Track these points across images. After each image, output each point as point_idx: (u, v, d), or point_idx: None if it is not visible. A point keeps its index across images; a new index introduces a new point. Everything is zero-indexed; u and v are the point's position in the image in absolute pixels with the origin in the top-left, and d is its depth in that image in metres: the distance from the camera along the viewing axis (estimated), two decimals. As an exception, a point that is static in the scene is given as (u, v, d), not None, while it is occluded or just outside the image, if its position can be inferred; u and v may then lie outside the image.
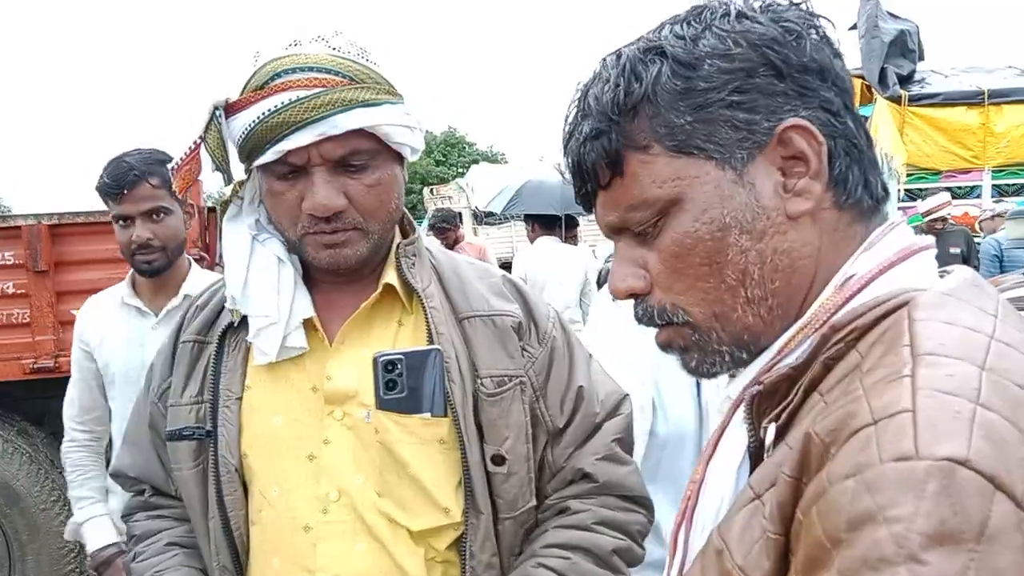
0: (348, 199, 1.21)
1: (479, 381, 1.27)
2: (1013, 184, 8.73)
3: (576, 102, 0.80)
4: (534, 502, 1.32)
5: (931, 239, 0.77)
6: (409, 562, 1.24)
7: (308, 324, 1.28)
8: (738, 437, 0.77)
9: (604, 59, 0.79)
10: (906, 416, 0.54)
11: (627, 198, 0.76)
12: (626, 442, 1.38)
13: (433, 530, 1.26)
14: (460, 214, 8.33)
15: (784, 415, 0.67)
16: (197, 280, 2.44)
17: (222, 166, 1.25)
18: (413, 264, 1.33)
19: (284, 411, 1.27)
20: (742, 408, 0.73)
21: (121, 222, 2.35)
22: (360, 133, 1.20)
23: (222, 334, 1.31)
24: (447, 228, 6.80)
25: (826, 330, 0.66)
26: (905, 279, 0.69)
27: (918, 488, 0.51)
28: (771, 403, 0.69)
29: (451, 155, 35.38)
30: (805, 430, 0.61)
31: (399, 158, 1.28)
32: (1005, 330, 0.61)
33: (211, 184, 1.88)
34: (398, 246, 1.34)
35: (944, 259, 0.90)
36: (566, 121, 0.81)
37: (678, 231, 0.75)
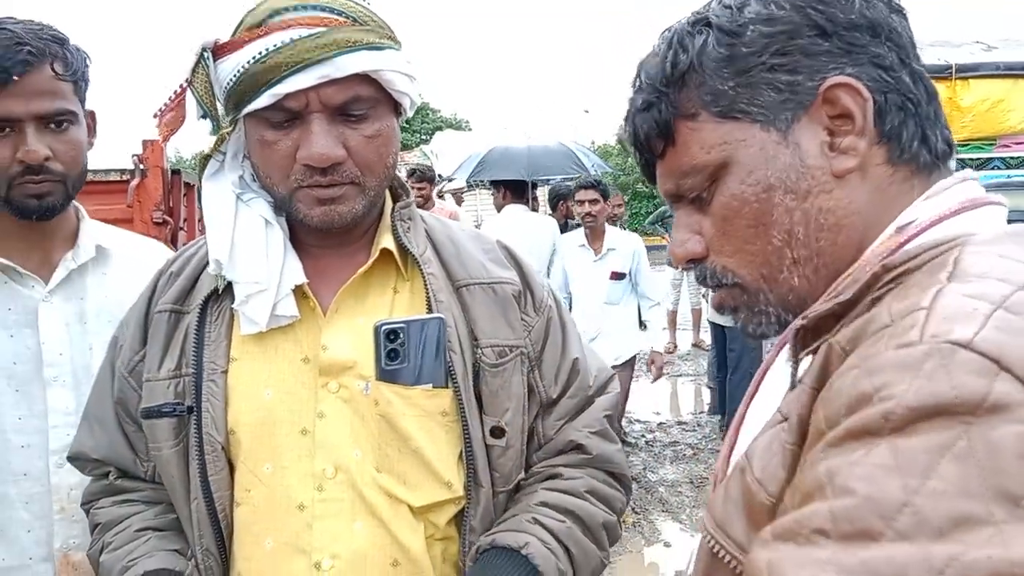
0: (346, 150, 1.13)
1: (480, 351, 1.21)
2: (977, 159, 8.83)
3: (634, 77, 0.83)
4: (523, 474, 1.27)
5: (1002, 196, 0.75)
6: (410, 539, 1.18)
7: (299, 292, 1.20)
8: (781, 376, 0.78)
9: (661, 34, 0.82)
10: (920, 313, 0.54)
11: (680, 166, 0.79)
12: (613, 419, 1.35)
13: (434, 505, 1.20)
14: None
15: (823, 348, 0.66)
16: (97, 229, 1.67)
17: (210, 112, 1.15)
18: (408, 228, 1.26)
19: (274, 384, 1.19)
20: (787, 347, 0.75)
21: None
22: (362, 79, 1.11)
23: (203, 303, 1.22)
24: (426, 181, 6.62)
25: (878, 269, 0.66)
26: (970, 227, 0.68)
27: (915, 367, 0.51)
28: (815, 339, 0.70)
29: (414, 121, 35.01)
30: (828, 343, 0.62)
31: (396, 111, 1.20)
32: None
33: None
34: (392, 210, 1.26)
35: None
36: (627, 98, 0.84)
37: (726, 195, 0.76)
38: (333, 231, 1.19)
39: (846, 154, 0.73)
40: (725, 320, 6.61)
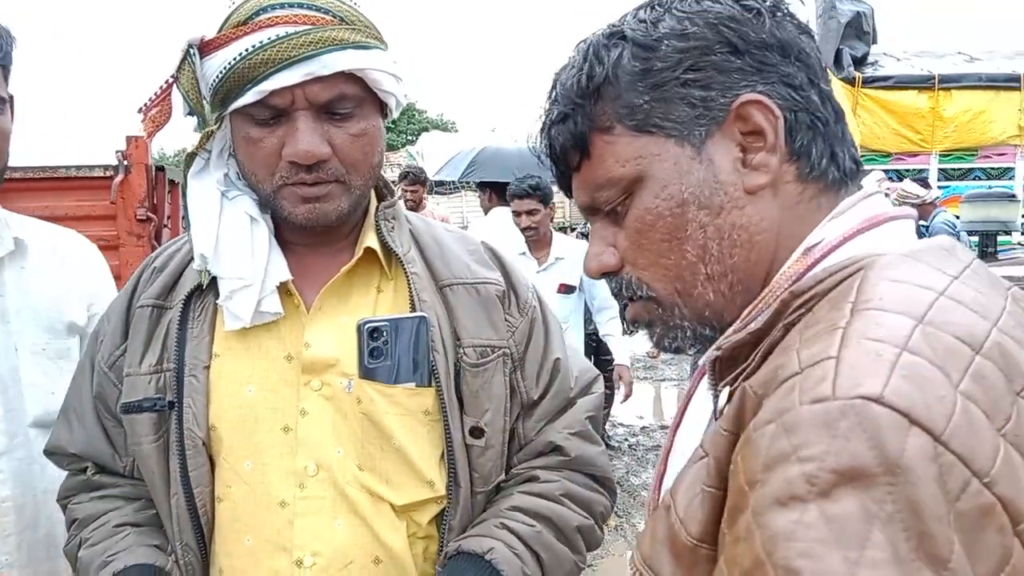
0: (331, 148, 1.13)
1: (461, 351, 1.21)
2: (958, 168, 8.91)
3: (549, 90, 0.83)
4: (503, 476, 1.27)
5: (910, 209, 0.77)
6: (391, 538, 1.18)
7: (283, 289, 1.20)
8: (704, 404, 0.78)
9: (576, 46, 0.82)
10: (829, 363, 0.55)
11: (595, 178, 0.79)
12: (597, 421, 1.34)
13: (417, 504, 1.20)
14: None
15: (740, 379, 0.67)
16: (14, 220, 1.53)
17: (196, 108, 1.15)
18: (392, 228, 1.26)
19: (257, 381, 1.19)
20: (707, 376, 0.75)
21: None
22: (347, 78, 1.12)
23: (186, 298, 1.21)
24: (418, 184, 6.57)
25: (786, 295, 0.67)
26: (874, 245, 0.69)
27: (831, 427, 0.51)
28: (732, 369, 0.70)
29: (400, 122, 34.97)
30: (742, 386, 0.63)
31: (381, 111, 1.21)
32: (960, 289, 0.61)
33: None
34: (376, 209, 1.26)
35: None
36: (541, 107, 0.84)
37: (640, 208, 0.77)
38: (318, 229, 1.19)
39: (758, 170, 0.74)
40: None
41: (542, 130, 0.83)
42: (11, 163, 1.44)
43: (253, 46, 1.08)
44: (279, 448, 1.17)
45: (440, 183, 12.74)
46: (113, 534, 1.22)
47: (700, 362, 0.80)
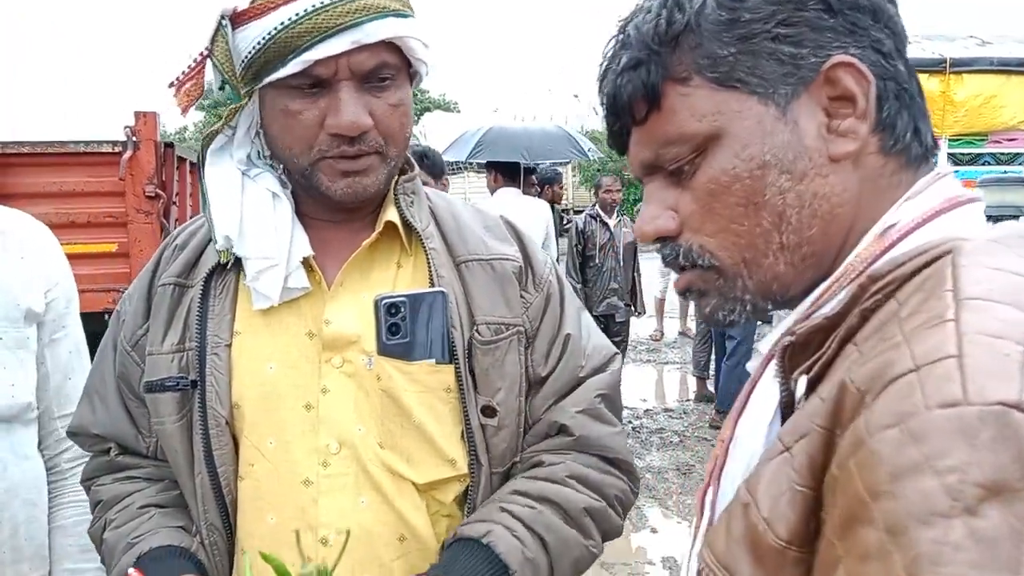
0: (372, 119, 1.12)
1: (475, 328, 1.20)
2: (968, 153, 8.85)
3: (616, 34, 0.77)
4: (518, 458, 1.25)
5: (979, 191, 0.74)
6: (414, 516, 1.18)
7: (304, 265, 1.19)
8: (769, 393, 0.73)
9: None
10: (951, 361, 0.51)
11: (664, 133, 0.73)
12: (612, 401, 1.29)
13: (439, 483, 1.20)
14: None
15: (817, 366, 0.64)
16: None
17: (230, 80, 1.14)
18: (412, 203, 1.25)
19: (278, 358, 1.18)
20: (774, 362, 0.70)
21: None
22: (387, 46, 1.11)
23: (207, 276, 1.21)
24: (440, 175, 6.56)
25: (864, 280, 0.63)
26: (949, 229, 0.66)
27: (971, 435, 0.47)
28: (804, 356, 0.66)
29: (404, 102, 34.60)
30: (840, 379, 0.58)
31: (410, 81, 1.20)
32: None
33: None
34: (396, 183, 1.25)
35: None
36: (604, 55, 0.78)
37: (715, 168, 0.71)
38: (353, 204, 1.18)
39: (845, 137, 0.70)
40: None
41: (603, 77, 0.77)
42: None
43: (297, 14, 1.06)
44: (301, 426, 1.17)
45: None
46: (137, 515, 1.22)
47: (763, 348, 0.76)
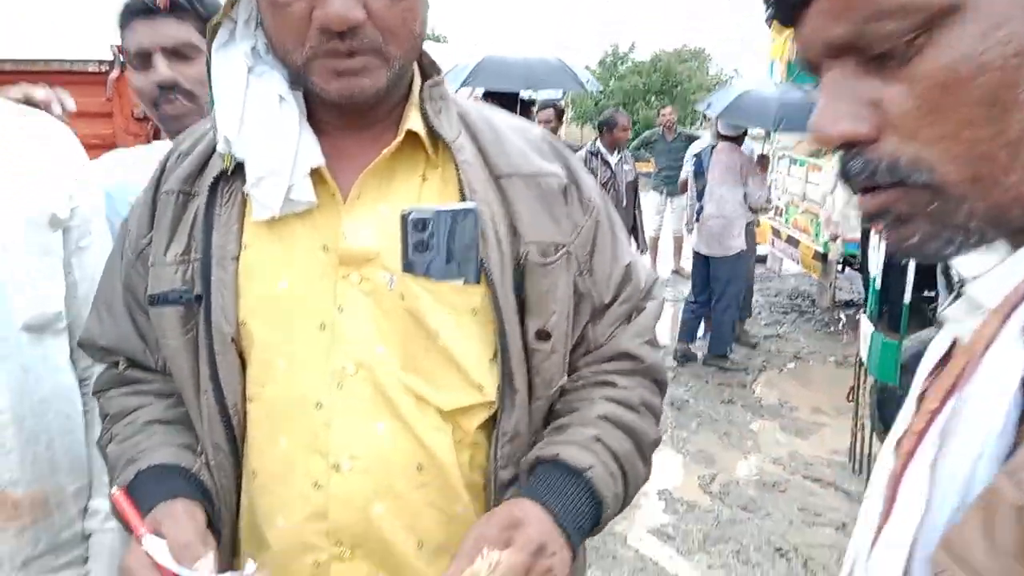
0: (368, 13, 1.00)
1: (525, 249, 1.12)
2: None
3: None
4: (565, 379, 1.21)
5: None
6: (436, 443, 1.11)
7: (316, 176, 1.09)
8: (1008, 358, 0.55)
9: None
10: None
11: (876, 1, 0.55)
12: (656, 327, 1.30)
13: (464, 409, 1.13)
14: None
15: None
16: None
17: None
18: (440, 110, 1.14)
19: (290, 273, 1.10)
20: (1017, 320, 0.54)
21: None
22: None
23: (212, 184, 1.11)
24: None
25: None
26: None
27: None
28: None
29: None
30: None
31: None
32: None
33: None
34: (421, 88, 1.15)
35: None
36: None
37: (952, 53, 0.53)
38: (354, 107, 1.08)
39: None
40: (709, 251, 6.56)
41: None
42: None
43: None
44: (315, 346, 1.09)
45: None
46: (141, 431, 1.16)
47: (993, 301, 0.59)
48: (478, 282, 1.10)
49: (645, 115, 23.16)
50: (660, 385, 1.26)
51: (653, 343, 1.26)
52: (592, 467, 1.09)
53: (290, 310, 1.09)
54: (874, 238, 4.30)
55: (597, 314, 1.21)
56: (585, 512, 1.08)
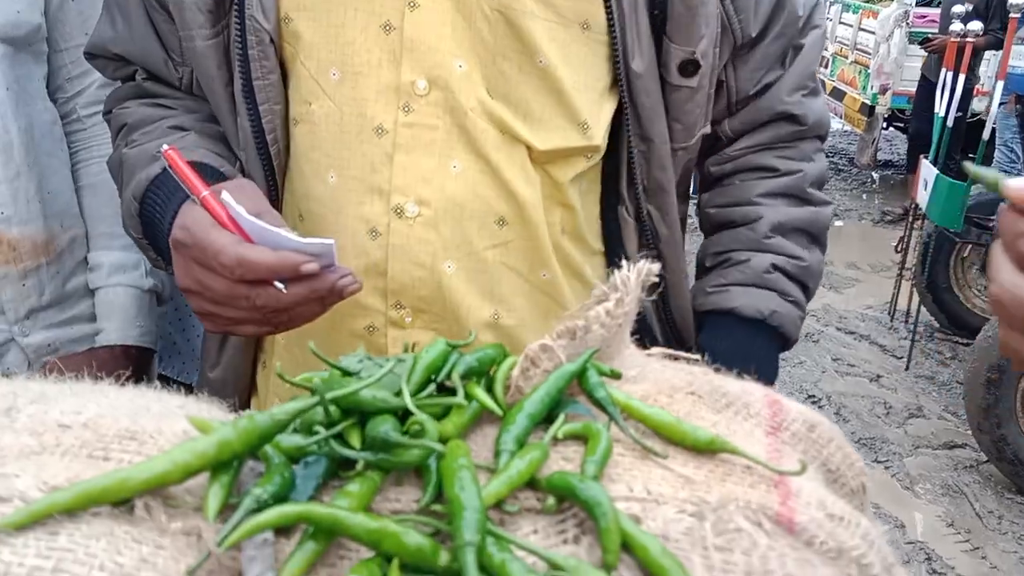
0: None
1: None
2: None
3: None
4: (708, 130, 0.98)
5: None
6: (524, 192, 0.88)
7: None
8: None
9: None
10: None
11: None
12: (817, 67, 1.06)
13: (562, 152, 0.89)
14: None
15: None
16: None
17: None
18: None
19: None
20: None
21: None
22: None
23: None
24: None
25: None
26: None
27: None
28: None
29: None
30: None
31: None
32: None
33: None
34: None
35: None
36: None
37: None
38: None
39: None
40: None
41: None
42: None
43: None
44: (377, 53, 0.84)
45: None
46: (168, 134, 0.93)
47: None
48: None
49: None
50: (824, 140, 1.07)
51: (815, 92, 1.03)
52: (774, 313, 0.98)
53: (346, 3, 0.84)
54: (945, 76, 3.97)
55: (741, 54, 0.96)
56: (773, 357, 1.02)
